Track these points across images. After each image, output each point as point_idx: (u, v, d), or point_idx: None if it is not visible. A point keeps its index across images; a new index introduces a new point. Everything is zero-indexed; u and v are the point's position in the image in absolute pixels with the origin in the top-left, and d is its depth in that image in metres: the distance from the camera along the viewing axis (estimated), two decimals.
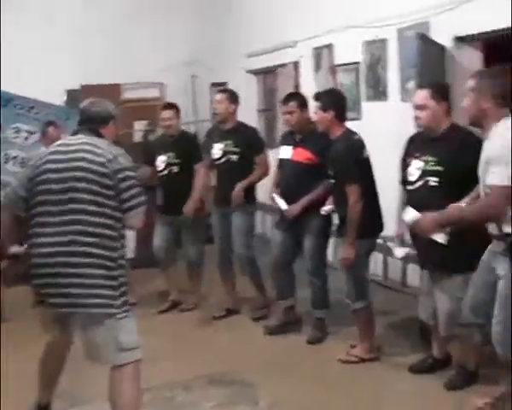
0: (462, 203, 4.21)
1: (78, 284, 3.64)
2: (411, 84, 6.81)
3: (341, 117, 5.27)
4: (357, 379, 5.04)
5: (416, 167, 4.59)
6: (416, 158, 4.61)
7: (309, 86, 8.27)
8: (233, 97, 6.39)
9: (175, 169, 6.69)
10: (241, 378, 5.05)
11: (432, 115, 4.53)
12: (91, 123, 4.00)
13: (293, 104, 5.78)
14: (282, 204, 5.76)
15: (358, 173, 5.10)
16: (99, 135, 3.95)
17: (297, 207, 5.66)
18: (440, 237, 4.17)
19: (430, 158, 4.50)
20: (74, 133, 4.01)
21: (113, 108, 4.14)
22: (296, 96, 6.00)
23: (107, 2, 10.41)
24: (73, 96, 9.81)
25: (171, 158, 6.69)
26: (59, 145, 3.97)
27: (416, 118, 4.61)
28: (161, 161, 6.72)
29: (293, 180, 5.73)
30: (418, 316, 5.13)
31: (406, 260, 6.93)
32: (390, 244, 4.43)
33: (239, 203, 6.19)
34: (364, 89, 7.48)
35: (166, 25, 10.69)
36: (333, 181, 5.29)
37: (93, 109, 4.06)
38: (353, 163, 5.12)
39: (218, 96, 6.38)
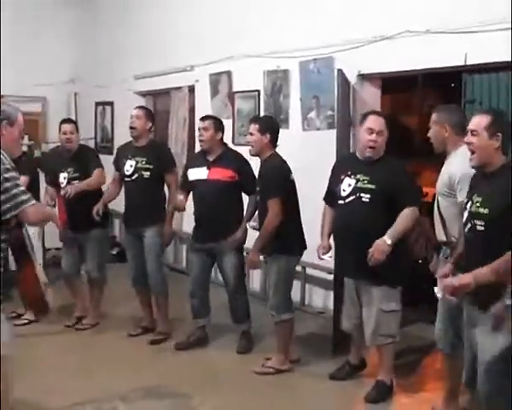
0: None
1: None
2: (313, 114, 7.30)
3: (275, 142, 5.65)
4: (285, 387, 5.41)
5: (348, 184, 5.00)
6: (349, 176, 5.02)
7: (204, 110, 8.54)
8: (150, 115, 6.51)
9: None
10: (176, 391, 5.21)
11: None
12: None
13: (209, 122, 6.06)
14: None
15: (283, 190, 5.45)
16: None
17: (238, 238, 5.87)
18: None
19: (363, 177, 4.94)
20: None
21: (7, 113, 4.05)
22: (213, 118, 6.28)
23: None
24: None
25: (71, 173, 6.65)
26: None
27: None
28: (63, 177, 6.68)
29: (214, 199, 5.91)
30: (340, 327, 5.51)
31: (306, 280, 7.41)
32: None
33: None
34: None
35: (52, 40, 10.58)
36: (259, 198, 5.61)
37: None
38: (279, 179, 5.48)
39: (136, 112, 6.40)
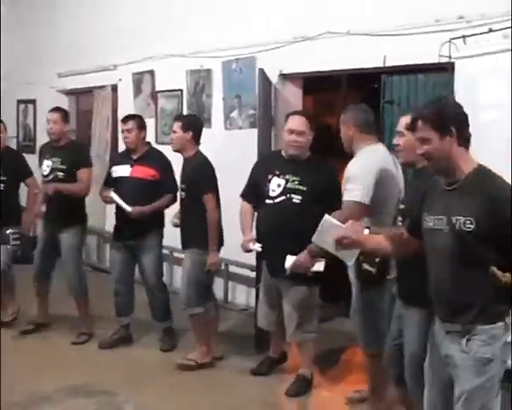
0: None
1: None
2: (235, 113, 7.39)
3: (198, 139, 5.73)
4: (208, 383, 5.46)
5: (277, 184, 5.05)
6: (277, 176, 5.06)
7: (127, 109, 8.52)
8: (66, 116, 6.44)
9: (1, 187, 6.48)
10: (101, 389, 5.21)
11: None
12: None
13: (131, 123, 6.07)
14: (125, 205, 5.86)
15: (216, 185, 5.58)
16: None
17: (142, 209, 5.82)
18: (318, 266, 4.76)
19: (292, 177, 5.00)
20: None
21: None
22: (135, 117, 6.28)
23: None
24: None
25: None
26: None
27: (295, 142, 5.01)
28: None
29: (135, 197, 5.89)
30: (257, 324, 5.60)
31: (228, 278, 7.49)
32: None
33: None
34: None
35: None
36: (185, 196, 5.65)
37: None
38: (211, 175, 5.61)
39: (52, 116, 6.31)
